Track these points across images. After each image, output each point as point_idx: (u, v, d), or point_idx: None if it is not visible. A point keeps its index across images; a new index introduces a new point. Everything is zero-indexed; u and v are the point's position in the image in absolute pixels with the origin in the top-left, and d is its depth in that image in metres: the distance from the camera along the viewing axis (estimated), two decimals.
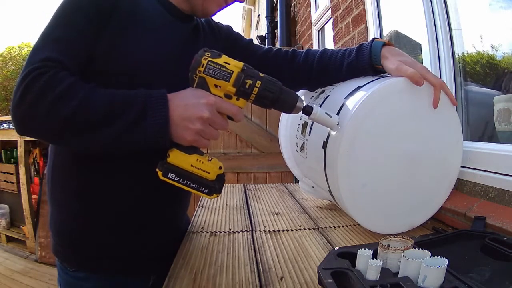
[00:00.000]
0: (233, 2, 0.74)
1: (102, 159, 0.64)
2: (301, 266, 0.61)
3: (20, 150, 3.37)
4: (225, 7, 0.74)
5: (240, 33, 0.90)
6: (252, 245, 0.72)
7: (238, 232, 0.80)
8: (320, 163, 0.73)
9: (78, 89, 0.54)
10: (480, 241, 0.58)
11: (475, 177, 0.79)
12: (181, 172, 0.58)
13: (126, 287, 0.72)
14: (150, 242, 0.73)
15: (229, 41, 0.85)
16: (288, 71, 0.85)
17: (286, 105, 0.60)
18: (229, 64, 0.57)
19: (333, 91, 0.80)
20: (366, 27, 1.55)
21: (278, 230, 0.80)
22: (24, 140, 3.35)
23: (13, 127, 0.57)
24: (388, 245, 0.49)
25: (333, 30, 2.00)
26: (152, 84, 0.60)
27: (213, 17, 0.79)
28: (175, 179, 0.58)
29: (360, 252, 0.48)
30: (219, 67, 0.57)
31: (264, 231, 0.80)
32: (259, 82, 0.57)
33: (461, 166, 0.78)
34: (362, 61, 0.75)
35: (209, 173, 0.59)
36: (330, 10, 2.12)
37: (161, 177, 0.58)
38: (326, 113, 0.62)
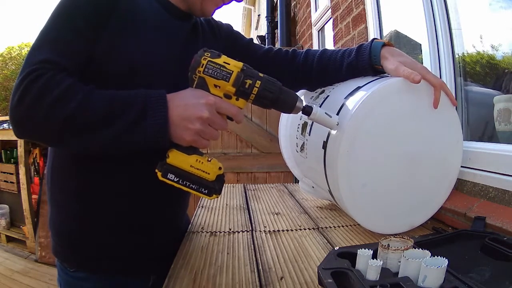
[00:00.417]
0: (230, 2, 0.74)
1: (101, 159, 0.64)
2: (301, 266, 0.61)
3: (20, 150, 3.37)
4: (221, 6, 0.73)
5: (240, 33, 0.90)
6: (252, 245, 0.72)
7: (238, 232, 0.80)
8: (320, 163, 0.73)
9: (76, 91, 0.54)
10: (480, 241, 0.58)
11: (475, 177, 0.79)
12: (180, 173, 0.58)
13: (126, 287, 0.72)
14: (150, 242, 0.73)
15: (229, 41, 0.85)
16: (288, 71, 0.85)
17: (285, 105, 0.60)
18: (228, 64, 0.57)
19: (333, 91, 0.80)
20: (366, 27, 1.55)
21: (278, 230, 0.80)
22: (24, 140, 3.35)
23: None
24: (388, 245, 0.49)
25: (333, 30, 2.00)
26: (152, 84, 0.60)
27: (212, 16, 0.79)
28: (175, 179, 0.58)
29: (360, 252, 0.48)
30: (218, 67, 0.56)
31: (264, 231, 0.80)
32: (258, 82, 0.57)
33: (461, 166, 0.78)
34: (361, 61, 0.75)
35: (208, 173, 0.59)
36: (330, 10, 2.12)
37: (161, 178, 0.58)
38: (326, 113, 0.62)
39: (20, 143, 3.37)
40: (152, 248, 0.74)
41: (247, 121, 2.60)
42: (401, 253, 0.47)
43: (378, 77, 0.73)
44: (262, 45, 0.90)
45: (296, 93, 0.63)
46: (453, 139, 0.74)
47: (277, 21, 3.75)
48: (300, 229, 0.81)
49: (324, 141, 0.71)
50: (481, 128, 0.97)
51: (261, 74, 0.58)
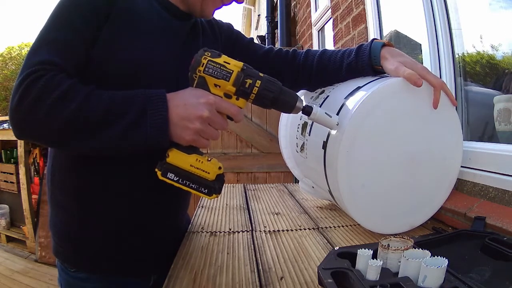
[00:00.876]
0: (230, 3, 0.74)
1: (101, 160, 0.64)
2: (301, 266, 0.61)
3: (20, 150, 3.37)
4: (221, 7, 0.73)
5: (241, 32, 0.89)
6: (252, 245, 0.71)
7: (238, 232, 0.80)
8: (320, 163, 0.73)
9: (76, 91, 0.54)
10: (480, 241, 0.58)
11: (475, 177, 0.79)
12: (180, 172, 0.58)
13: (126, 287, 0.72)
14: (150, 242, 0.73)
15: (229, 40, 0.85)
16: (288, 72, 0.85)
17: (286, 105, 0.60)
18: (229, 63, 0.57)
19: (333, 91, 0.80)
20: (366, 27, 1.55)
21: (278, 230, 0.80)
22: (24, 140, 3.35)
23: None
24: (388, 245, 0.49)
25: (333, 30, 2.00)
26: (152, 84, 0.60)
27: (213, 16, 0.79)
28: (174, 179, 0.58)
29: (360, 252, 0.48)
30: (219, 66, 0.56)
31: (264, 231, 0.80)
32: (259, 81, 0.57)
33: (461, 166, 0.78)
34: (361, 61, 0.75)
35: (208, 173, 0.59)
36: (330, 10, 2.12)
37: (160, 177, 0.58)
38: (326, 113, 0.62)
39: (20, 143, 3.37)
40: (152, 248, 0.73)
41: (247, 121, 2.60)
42: (401, 253, 0.47)
43: (378, 77, 0.73)
44: (263, 45, 0.90)
45: (296, 93, 0.63)
46: (453, 139, 0.74)
47: (277, 21, 3.75)
48: (300, 229, 0.81)
49: (324, 141, 0.71)
50: (481, 128, 0.97)
51: (261, 74, 0.58)
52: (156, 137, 0.56)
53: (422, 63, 1.03)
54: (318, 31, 2.78)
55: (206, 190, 0.59)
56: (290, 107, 0.60)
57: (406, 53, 0.73)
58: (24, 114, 0.53)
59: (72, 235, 0.68)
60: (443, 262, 0.43)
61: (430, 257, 0.45)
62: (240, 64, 0.57)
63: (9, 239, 3.61)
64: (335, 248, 0.55)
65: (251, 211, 0.98)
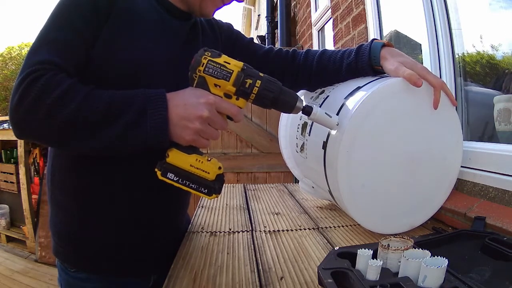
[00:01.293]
0: (230, 2, 0.74)
1: (101, 160, 0.63)
2: (301, 266, 0.61)
3: (20, 150, 3.37)
4: (221, 7, 0.73)
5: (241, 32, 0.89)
6: (252, 245, 0.71)
7: (238, 232, 0.80)
8: (320, 164, 0.73)
9: (76, 91, 0.54)
10: (480, 241, 0.58)
11: (475, 177, 0.79)
12: (180, 172, 0.58)
13: (126, 287, 0.72)
14: (150, 242, 0.73)
15: (229, 40, 0.85)
16: (288, 72, 0.85)
17: (286, 105, 0.60)
18: (229, 63, 0.57)
19: (333, 91, 0.80)
20: (366, 27, 1.55)
21: (278, 230, 0.80)
22: (24, 140, 3.35)
23: None
24: (388, 245, 0.49)
25: (333, 30, 2.00)
26: (152, 84, 0.60)
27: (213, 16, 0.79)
28: (174, 179, 0.58)
29: (360, 252, 0.48)
30: (219, 66, 0.56)
31: (264, 231, 0.80)
32: (259, 81, 0.57)
33: (461, 166, 0.78)
34: (361, 62, 0.75)
35: (208, 173, 0.59)
36: (330, 10, 2.12)
37: (160, 177, 0.58)
38: (326, 113, 0.62)
39: (20, 143, 3.37)
40: (152, 248, 0.73)
41: (247, 121, 2.60)
42: (401, 253, 0.47)
43: (378, 77, 0.73)
44: (263, 45, 0.90)
45: (296, 93, 0.63)
46: (453, 139, 0.74)
47: (277, 21, 3.75)
48: (300, 229, 0.81)
49: (324, 141, 0.71)
50: (481, 128, 0.97)
51: (261, 74, 0.58)
52: (156, 137, 0.56)
53: (422, 63, 1.03)
54: (318, 31, 2.78)
55: (206, 190, 0.59)
56: (290, 107, 0.60)
57: (406, 53, 0.73)
58: (24, 113, 0.53)
59: (72, 235, 0.68)
60: (443, 262, 0.43)
61: (430, 257, 0.45)
62: (240, 64, 0.57)
63: (9, 239, 3.61)
64: (335, 248, 0.55)
65: (251, 211, 0.98)
